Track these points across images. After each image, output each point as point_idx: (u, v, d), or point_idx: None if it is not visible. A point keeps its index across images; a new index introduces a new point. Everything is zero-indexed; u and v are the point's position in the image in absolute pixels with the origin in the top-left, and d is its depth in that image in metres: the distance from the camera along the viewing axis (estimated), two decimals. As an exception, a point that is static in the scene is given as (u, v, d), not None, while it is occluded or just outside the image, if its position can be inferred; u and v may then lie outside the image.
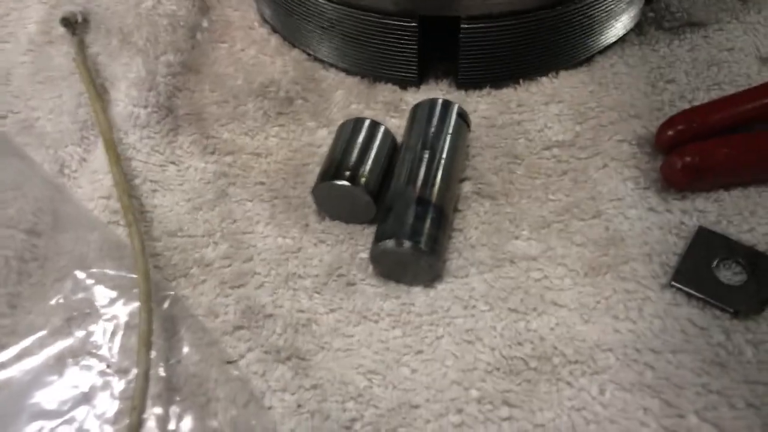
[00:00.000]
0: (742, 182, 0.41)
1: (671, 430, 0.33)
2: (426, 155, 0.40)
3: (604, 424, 0.33)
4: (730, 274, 0.38)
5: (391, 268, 0.38)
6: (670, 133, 0.41)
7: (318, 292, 0.38)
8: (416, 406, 0.34)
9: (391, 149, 0.41)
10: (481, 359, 0.35)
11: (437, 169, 0.39)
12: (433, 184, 0.38)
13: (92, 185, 0.42)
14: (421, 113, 0.42)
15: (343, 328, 0.37)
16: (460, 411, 0.34)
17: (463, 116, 0.42)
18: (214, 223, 0.41)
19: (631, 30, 0.48)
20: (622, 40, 0.48)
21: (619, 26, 0.47)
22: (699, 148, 0.40)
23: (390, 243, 0.36)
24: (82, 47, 0.46)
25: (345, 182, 0.38)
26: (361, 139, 0.40)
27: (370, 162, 0.40)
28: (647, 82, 0.46)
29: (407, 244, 0.36)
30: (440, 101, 0.42)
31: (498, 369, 0.35)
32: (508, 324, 0.36)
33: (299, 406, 0.34)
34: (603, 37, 0.47)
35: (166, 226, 0.41)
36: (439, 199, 0.38)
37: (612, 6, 0.45)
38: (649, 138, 0.43)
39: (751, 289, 0.37)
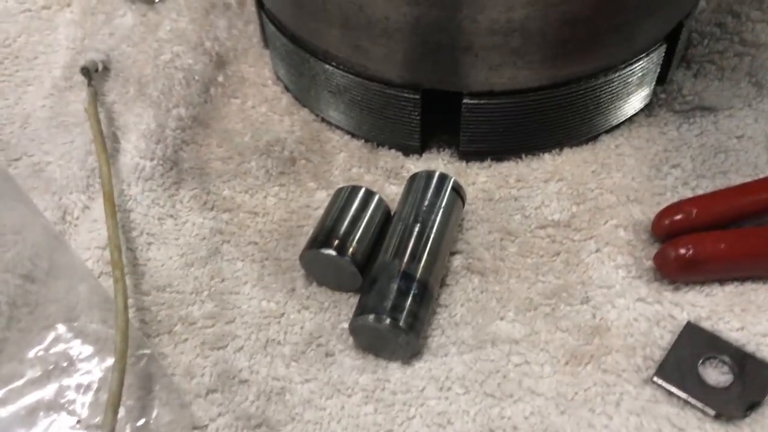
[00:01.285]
0: (738, 278, 0.40)
1: None
2: (416, 228, 0.40)
3: None
4: (716, 374, 0.37)
5: (370, 341, 0.38)
6: (667, 221, 0.41)
7: (295, 361, 0.38)
8: (380, 488, 0.34)
9: (384, 220, 0.42)
10: (450, 444, 0.35)
11: (426, 243, 0.39)
12: (420, 259, 0.38)
13: (90, 234, 0.43)
14: (416, 185, 0.42)
15: (316, 400, 0.36)
16: (423, 498, 0.33)
17: (457, 190, 0.42)
18: (203, 281, 0.41)
19: (642, 110, 0.48)
20: (630, 120, 0.48)
21: (627, 107, 0.47)
22: (695, 240, 0.39)
23: (370, 318, 0.36)
24: (94, 98, 0.48)
25: (332, 251, 0.39)
26: (354, 208, 0.41)
27: (360, 232, 0.40)
28: (651, 166, 0.45)
29: (386, 320, 0.36)
30: (437, 174, 0.42)
31: (466, 456, 0.34)
32: (482, 409, 0.36)
33: (263, 477, 0.34)
34: (610, 117, 0.47)
35: (156, 280, 0.41)
36: (424, 275, 0.38)
37: (619, 88, 0.45)
38: (646, 225, 0.42)
39: (736, 391, 0.36)
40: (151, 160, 0.46)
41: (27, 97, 0.51)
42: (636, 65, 0.44)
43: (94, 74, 0.50)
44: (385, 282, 0.37)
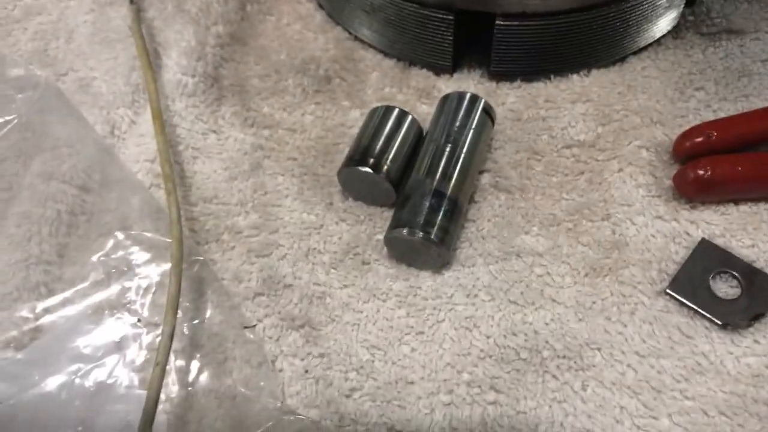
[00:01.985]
0: (753, 198, 0.42)
1: (643, 429, 0.35)
2: (448, 148, 0.42)
3: (581, 418, 0.36)
4: (725, 287, 0.39)
5: (403, 253, 0.41)
6: (687, 144, 0.43)
7: (334, 268, 0.41)
8: (411, 383, 0.37)
9: (416, 139, 0.44)
10: (476, 345, 0.38)
11: (456, 162, 0.41)
12: (450, 177, 0.41)
13: (139, 148, 0.46)
14: (448, 106, 0.44)
15: (353, 304, 0.40)
16: (450, 391, 0.37)
17: (488, 111, 0.44)
18: (247, 194, 0.44)
19: (669, 33, 0.49)
20: (657, 42, 0.49)
21: (655, 29, 0.48)
22: (713, 162, 0.41)
23: (404, 231, 0.39)
24: (138, 15, 0.49)
25: (368, 169, 0.41)
26: (388, 127, 0.43)
27: (393, 150, 0.42)
28: (676, 88, 0.47)
29: (419, 233, 0.39)
30: (468, 95, 0.44)
31: (490, 356, 0.38)
32: (505, 315, 0.39)
33: (306, 371, 0.38)
34: (638, 39, 0.48)
35: (203, 192, 0.44)
36: (454, 192, 0.40)
37: (649, 11, 0.46)
38: (668, 146, 0.44)
39: (743, 304, 0.38)
40: (193, 76, 0.48)
41: (69, 12, 0.53)
42: (666, -12, 0.45)
43: (135, -10, 0.51)
44: (418, 198, 0.40)
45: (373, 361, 0.38)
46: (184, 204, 0.43)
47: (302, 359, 0.38)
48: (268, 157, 0.46)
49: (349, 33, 0.51)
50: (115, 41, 0.51)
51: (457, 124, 0.43)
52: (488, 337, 0.38)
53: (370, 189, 0.42)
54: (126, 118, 0.47)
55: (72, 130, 0.46)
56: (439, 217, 0.39)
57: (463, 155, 0.42)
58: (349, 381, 0.38)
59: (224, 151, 0.46)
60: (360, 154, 0.42)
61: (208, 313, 0.38)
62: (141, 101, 0.48)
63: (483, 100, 0.44)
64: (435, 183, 0.40)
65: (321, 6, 0.52)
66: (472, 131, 0.43)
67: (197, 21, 0.50)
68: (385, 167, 0.41)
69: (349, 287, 0.40)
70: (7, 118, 0.46)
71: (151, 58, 0.48)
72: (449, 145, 0.42)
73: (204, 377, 0.37)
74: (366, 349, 0.38)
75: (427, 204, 0.39)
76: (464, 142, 0.42)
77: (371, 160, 0.41)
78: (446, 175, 0.41)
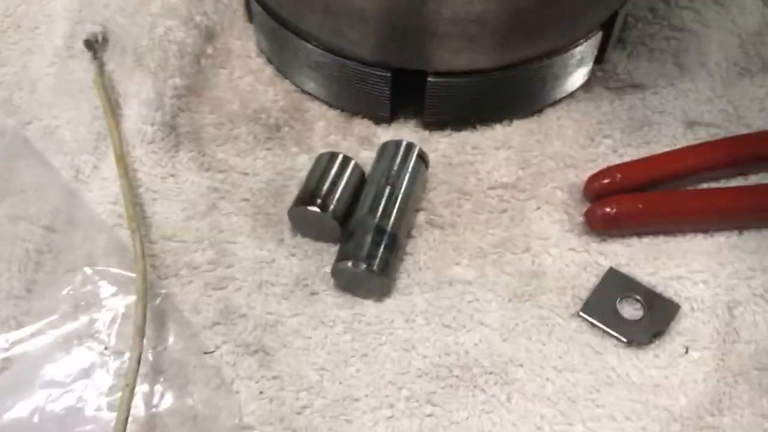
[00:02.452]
0: (652, 232, 0.48)
1: (561, 435, 0.40)
2: (387, 189, 0.47)
3: (507, 426, 0.41)
4: (630, 310, 0.45)
5: (349, 283, 0.45)
6: (596, 185, 0.49)
7: (285, 299, 0.45)
8: (356, 399, 0.41)
9: (359, 181, 0.49)
10: (414, 365, 0.43)
11: (395, 201, 0.46)
12: (390, 215, 0.46)
13: (102, 191, 0.49)
14: (387, 152, 0.49)
15: (303, 330, 0.44)
16: (391, 406, 0.41)
17: (422, 157, 0.49)
18: (203, 232, 0.48)
19: (581, 87, 0.55)
20: (571, 95, 0.55)
21: (568, 84, 0.54)
22: (618, 201, 0.47)
23: (348, 263, 0.43)
24: (102, 70, 0.53)
25: (316, 208, 0.46)
26: (333, 171, 0.48)
27: (338, 192, 0.47)
28: (587, 136, 0.53)
29: (363, 265, 0.43)
30: (404, 142, 0.49)
31: (427, 374, 0.42)
32: (440, 337, 0.44)
33: (261, 392, 0.42)
34: (554, 93, 0.54)
35: (163, 231, 0.48)
36: (393, 228, 0.45)
37: (562, 69, 0.52)
38: (580, 186, 0.50)
39: (645, 323, 0.44)
40: (152, 125, 0.52)
41: (32, 65, 0.57)
42: (575, 49, 0.52)
43: (96, 45, 0.55)
44: (361, 234, 0.45)
45: (321, 382, 0.42)
46: (145, 242, 0.47)
47: (257, 381, 0.42)
48: (223, 198, 0.50)
49: (297, 86, 0.55)
50: (77, 92, 0.55)
51: (395, 168, 0.48)
52: (425, 357, 0.43)
53: (317, 226, 0.47)
54: (89, 163, 0.51)
55: (38, 175, 0.49)
56: (381, 251, 0.44)
57: (401, 195, 0.47)
58: (300, 400, 0.42)
59: (182, 193, 0.50)
60: (309, 195, 0.46)
61: (170, 341, 0.42)
62: (102, 148, 0.51)
63: (418, 147, 0.49)
64: (376, 220, 0.45)
65: (270, 61, 0.57)
66: (408, 174, 0.48)
67: (155, 74, 0.55)
68: (331, 207, 0.46)
69: (300, 315, 0.45)
70: (-27, 163, 0.49)
71: (113, 109, 0.52)
72: (389, 186, 0.47)
73: (167, 399, 0.40)
74: (315, 371, 0.43)
75: (370, 239, 0.44)
76: (402, 184, 0.47)
77: (319, 201, 0.46)
78: (386, 213, 0.46)
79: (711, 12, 0.59)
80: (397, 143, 0.49)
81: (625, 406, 0.41)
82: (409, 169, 0.48)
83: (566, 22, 0.49)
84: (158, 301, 0.43)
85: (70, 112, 0.53)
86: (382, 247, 0.44)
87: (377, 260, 0.44)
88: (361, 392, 0.42)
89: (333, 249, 0.47)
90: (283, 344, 0.43)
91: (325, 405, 0.41)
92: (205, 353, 0.42)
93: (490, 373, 0.42)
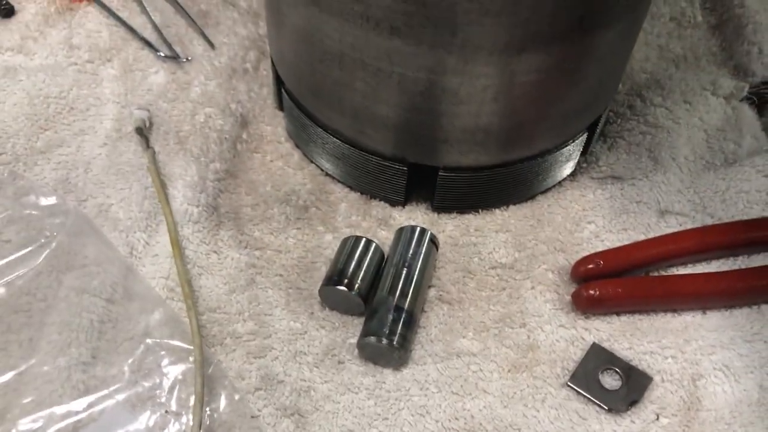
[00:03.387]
0: (630, 311, 0.56)
1: (552, 490, 0.48)
2: (404, 271, 0.54)
3: (507, 482, 0.48)
4: (610, 380, 0.53)
5: (371, 354, 0.52)
6: (581, 269, 0.57)
7: (317, 367, 0.52)
8: (380, 458, 0.49)
9: (379, 261, 0.56)
10: (428, 428, 0.50)
11: (411, 282, 0.54)
12: (407, 294, 0.53)
13: (154, 267, 0.56)
14: (403, 237, 0.57)
15: (333, 396, 0.51)
16: (410, 464, 0.49)
17: (434, 241, 0.57)
18: (243, 305, 0.55)
19: (568, 176, 0.64)
20: (560, 184, 0.63)
21: (557, 175, 0.62)
22: (600, 285, 0.55)
23: (372, 339, 0.51)
24: (154, 157, 0.60)
25: (343, 287, 0.53)
26: (358, 253, 0.55)
27: (362, 272, 0.54)
28: (573, 222, 0.61)
29: (384, 341, 0.51)
30: (418, 229, 0.57)
31: (439, 436, 0.50)
32: (450, 403, 0.51)
33: (298, 450, 0.49)
34: (545, 182, 0.62)
35: (208, 303, 0.55)
36: (410, 306, 0.53)
37: (552, 163, 0.60)
38: (567, 269, 0.58)
39: (623, 393, 0.52)
40: (197, 206, 0.59)
41: (85, 146, 0.64)
42: (564, 148, 0.60)
43: (146, 131, 0.63)
44: (383, 312, 0.52)
45: (349, 441, 0.49)
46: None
47: (294, 440, 0.49)
48: (260, 274, 0.57)
49: (321, 170, 0.63)
50: (128, 173, 0.62)
51: (411, 251, 0.56)
52: (437, 421, 0.50)
53: (344, 302, 0.54)
54: (141, 240, 0.58)
55: (98, 251, 0.56)
56: (399, 327, 0.52)
57: (415, 276, 0.54)
58: (331, 456, 0.49)
59: (224, 268, 0.57)
60: (337, 275, 0.54)
61: (222, 405, 0.49)
62: (153, 226, 0.58)
63: (429, 232, 0.57)
64: (395, 299, 0.53)
65: (298, 146, 0.65)
66: (422, 257, 0.56)
67: (198, 159, 0.62)
68: (357, 285, 0.53)
69: (329, 382, 0.52)
70: (42, 241, 0.55)
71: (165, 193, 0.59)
72: (405, 268, 0.55)
73: (220, 456, 0.47)
74: (344, 432, 0.50)
75: (391, 317, 0.52)
76: (417, 266, 0.55)
77: (346, 281, 0.53)
78: (404, 293, 0.53)
79: (681, 110, 0.68)
80: (412, 229, 0.57)
81: (606, 465, 0.49)
82: (423, 252, 0.56)
83: (558, 129, 0.57)
84: (210, 369, 0.50)
85: (122, 191, 0.60)
86: (401, 323, 0.52)
87: (397, 336, 0.51)
88: (384, 451, 0.49)
89: (357, 321, 0.55)
90: (315, 408, 0.51)
91: (352, 462, 0.49)
92: (252, 417, 0.49)
93: (493, 435, 0.50)
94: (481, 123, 0.53)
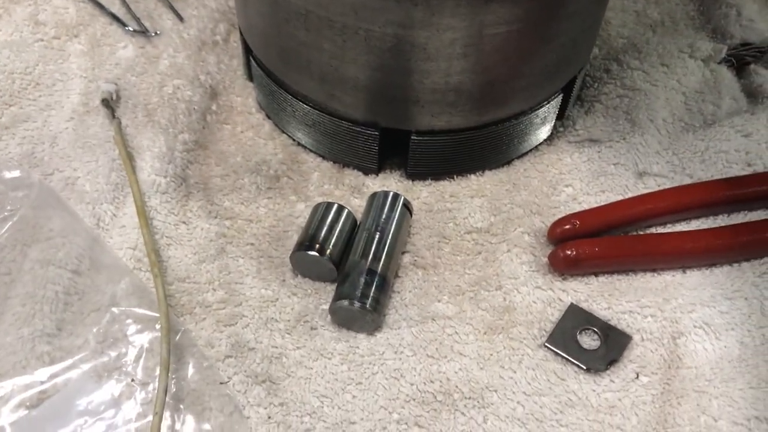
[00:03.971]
0: (608, 271, 0.55)
1: (530, 451, 0.47)
2: (377, 235, 0.53)
3: (484, 444, 0.47)
4: (588, 341, 0.52)
5: (344, 319, 0.51)
6: (558, 230, 0.56)
7: (288, 333, 0.51)
8: (353, 423, 0.48)
9: (352, 228, 0.55)
10: (402, 391, 0.49)
11: (384, 246, 0.53)
12: (380, 258, 0.52)
13: (121, 237, 0.55)
14: (376, 202, 0.55)
15: (305, 362, 0.50)
16: (384, 429, 0.47)
17: (407, 206, 0.56)
18: (213, 274, 0.54)
19: (545, 141, 0.63)
20: (536, 148, 0.62)
21: (533, 139, 0.61)
22: (577, 245, 0.54)
23: (344, 302, 0.50)
24: (120, 128, 0.59)
25: (315, 252, 0.52)
26: (329, 219, 0.54)
27: (334, 237, 0.53)
28: (549, 185, 0.60)
29: (357, 304, 0.50)
30: (391, 193, 0.56)
31: (414, 399, 0.49)
32: (425, 367, 0.50)
33: (269, 417, 0.48)
34: (521, 147, 0.61)
35: (177, 273, 0.54)
36: (383, 270, 0.52)
37: (527, 126, 0.59)
38: (544, 231, 0.57)
39: (601, 352, 0.51)
40: (165, 177, 0.58)
41: (52, 120, 0.62)
42: (539, 110, 0.59)
43: (112, 103, 0.61)
44: (355, 276, 0.51)
45: (322, 407, 0.48)
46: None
47: (265, 408, 0.48)
48: (230, 243, 0.56)
49: (293, 140, 0.62)
50: (95, 146, 0.60)
51: (384, 216, 0.54)
52: (412, 385, 0.49)
53: (316, 268, 0.53)
54: (108, 212, 0.56)
55: (64, 223, 0.54)
56: (372, 290, 0.50)
57: (389, 240, 0.53)
58: (304, 423, 0.48)
59: (193, 239, 0.56)
60: (308, 240, 0.53)
61: (190, 372, 0.48)
62: (120, 197, 0.57)
63: (402, 197, 0.56)
64: (368, 263, 0.52)
65: (269, 117, 0.63)
66: (395, 221, 0.54)
67: (166, 130, 0.61)
68: (328, 251, 0.52)
69: (301, 348, 0.51)
70: (5, 214, 0.54)
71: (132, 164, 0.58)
72: (378, 233, 0.53)
73: (188, 425, 0.46)
74: (317, 398, 0.49)
75: (363, 280, 0.51)
76: (389, 230, 0.54)
77: (317, 246, 0.52)
78: (376, 257, 0.52)
79: (658, 72, 0.67)
80: (385, 194, 0.56)
81: (585, 425, 0.48)
82: (396, 216, 0.55)
83: (531, 89, 0.56)
84: (178, 337, 0.49)
85: (88, 164, 0.59)
86: (374, 287, 0.51)
87: (369, 299, 0.50)
88: (357, 416, 0.48)
89: (329, 288, 0.53)
90: (287, 374, 0.49)
91: (325, 428, 0.47)
92: (221, 383, 0.48)
93: (469, 398, 0.49)
94: (451, 81, 0.52)
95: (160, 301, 0.48)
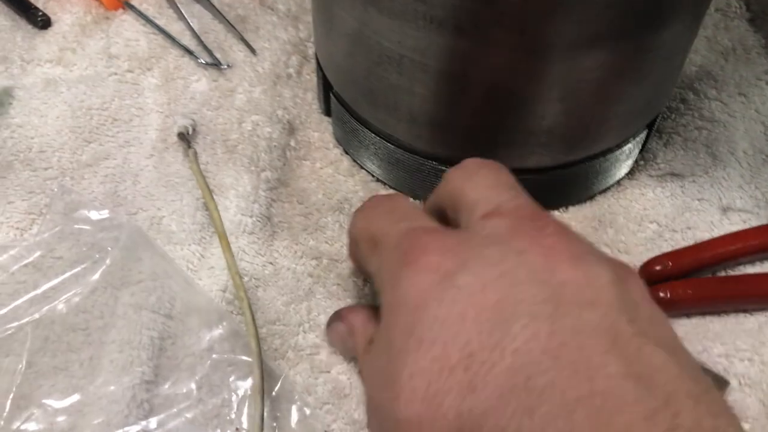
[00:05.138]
0: (700, 313, 0.54)
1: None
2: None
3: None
4: (685, 385, 0.51)
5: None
6: (650, 269, 0.55)
7: (384, 379, 0.51)
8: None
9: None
10: None
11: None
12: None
13: (210, 279, 0.55)
14: (464, 242, 0.55)
15: (402, 408, 0.50)
16: None
17: (495, 246, 0.55)
18: (303, 315, 0.54)
19: (626, 175, 0.62)
20: (618, 183, 0.62)
21: (617, 174, 0.61)
22: (671, 287, 0.53)
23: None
24: (196, 158, 0.59)
25: (408, 297, 0.52)
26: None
27: (426, 280, 0.53)
28: (635, 222, 0.59)
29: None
30: (479, 233, 0.55)
31: None
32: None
33: (371, 465, 0.48)
34: (605, 182, 0.61)
35: (267, 316, 0.54)
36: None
37: (612, 162, 0.59)
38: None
39: (700, 397, 0.50)
40: (251, 216, 0.58)
41: (131, 157, 0.62)
42: (625, 146, 0.58)
43: (188, 136, 0.62)
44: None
45: (422, 455, 0.48)
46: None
47: (366, 455, 0.48)
48: (317, 283, 0.56)
49: (373, 176, 0.62)
50: (178, 184, 0.60)
51: None
52: None
53: (408, 312, 0.53)
54: (196, 253, 0.56)
55: (154, 264, 0.54)
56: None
57: None
58: (406, 472, 0.47)
59: (280, 279, 0.56)
60: (400, 285, 0.52)
61: (294, 420, 0.47)
62: (207, 238, 0.57)
63: None
64: None
65: (347, 152, 0.63)
66: None
67: (249, 168, 0.61)
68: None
69: (397, 394, 0.50)
70: (97, 257, 0.54)
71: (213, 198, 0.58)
72: None
73: (294, 474, 0.46)
74: (416, 445, 0.48)
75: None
76: None
77: None
78: None
79: (736, 102, 0.67)
80: None
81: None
82: None
83: (621, 128, 0.56)
84: (278, 385, 0.49)
85: (173, 203, 0.59)
86: None
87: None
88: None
89: (421, 331, 0.53)
90: (385, 421, 0.49)
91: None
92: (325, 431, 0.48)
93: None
94: (545, 124, 0.52)
95: (254, 352, 0.48)
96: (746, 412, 0.50)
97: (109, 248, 0.55)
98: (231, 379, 0.49)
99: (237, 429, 0.47)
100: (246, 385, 0.49)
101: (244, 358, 0.50)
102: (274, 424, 0.48)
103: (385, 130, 0.57)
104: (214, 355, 0.50)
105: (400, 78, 0.52)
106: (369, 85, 0.55)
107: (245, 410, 0.48)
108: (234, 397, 0.48)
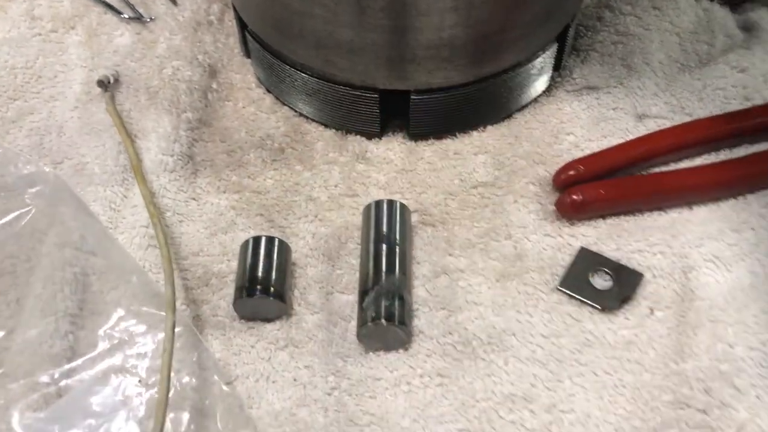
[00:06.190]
0: (615, 213, 0.56)
1: (552, 390, 0.48)
2: (383, 248, 0.51)
3: (506, 386, 0.48)
4: (601, 281, 0.52)
5: (373, 341, 0.49)
6: (562, 177, 0.56)
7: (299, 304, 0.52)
8: (378, 379, 0.48)
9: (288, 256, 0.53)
10: (423, 346, 0.50)
11: (394, 256, 0.51)
12: (393, 270, 0.50)
13: (133, 217, 0.56)
14: (372, 213, 0.53)
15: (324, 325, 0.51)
16: (409, 383, 0.48)
17: (403, 208, 0.54)
18: (226, 245, 0.55)
19: (543, 92, 0.63)
20: (535, 100, 0.63)
21: (532, 91, 0.62)
22: (582, 189, 0.54)
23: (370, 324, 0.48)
24: (113, 101, 0.60)
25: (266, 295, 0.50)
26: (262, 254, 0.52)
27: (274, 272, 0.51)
28: (551, 135, 0.61)
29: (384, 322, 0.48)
30: (385, 202, 0.53)
31: (434, 353, 0.49)
32: (442, 319, 0.51)
33: (294, 380, 0.49)
34: (520, 99, 0.62)
35: (190, 248, 0.55)
36: (400, 286, 0.49)
37: (525, 78, 0.60)
38: (549, 180, 0.57)
39: (614, 292, 0.52)
40: (172, 156, 0.59)
41: (56, 111, 0.63)
42: (535, 61, 0.59)
43: (108, 85, 0.62)
44: (375, 296, 0.49)
45: (346, 366, 0.49)
46: (177, 258, 0.54)
47: (290, 372, 0.49)
48: (240, 215, 0.57)
49: (295, 111, 0.63)
50: (101, 131, 0.61)
51: (384, 226, 0.52)
52: (431, 338, 0.50)
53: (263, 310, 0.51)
54: (119, 193, 0.57)
55: (79, 217, 0.55)
56: (396, 306, 0.49)
57: (398, 250, 0.51)
58: (329, 382, 0.48)
59: (203, 213, 0.57)
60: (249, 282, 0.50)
61: (196, 372, 0.48)
62: (129, 179, 0.58)
63: (398, 201, 0.54)
64: (383, 278, 0.50)
65: (269, 91, 0.64)
66: (398, 226, 0.52)
67: (169, 111, 0.61)
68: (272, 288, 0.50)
69: (318, 314, 0.52)
70: (23, 210, 0.55)
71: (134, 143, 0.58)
72: (383, 244, 0.51)
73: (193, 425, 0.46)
74: (340, 359, 0.49)
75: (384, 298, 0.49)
76: (396, 238, 0.52)
77: (259, 286, 0.50)
78: (391, 269, 0.50)
79: (651, 16, 0.67)
80: (378, 203, 0.53)
81: (604, 362, 0.49)
82: (397, 221, 0.53)
83: (524, 40, 0.57)
84: (184, 336, 0.49)
85: (96, 149, 0.60)
86: (396, 302, 0.49)
87: (396, 314, 0.48)
88: (383, 373, 0.49)
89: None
90: (308, 338, 0.50)
91: (350, 384, 0.48)
92: (227, 384, 0.48)
93: (488, 343, 0.50)
94: (445, 36, 0.53)
95: (168, 302, 0.48)
96: (661, 301, 0.51)
97: (35, 199, 0.55)
98: (139, 332, 0.50)
99: (140, 380, 0.47)
100: (152, 340, 0.49)
101: (158, 312, 0.50)
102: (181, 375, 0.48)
103: (297, 61, 0.58)
104: (120, 311, 0.50)
105: (300, 3, 0.53)
106: (275, 14, 0.56)
107: (147, 363, 0.48)
108: (139, 351, 0.49)
